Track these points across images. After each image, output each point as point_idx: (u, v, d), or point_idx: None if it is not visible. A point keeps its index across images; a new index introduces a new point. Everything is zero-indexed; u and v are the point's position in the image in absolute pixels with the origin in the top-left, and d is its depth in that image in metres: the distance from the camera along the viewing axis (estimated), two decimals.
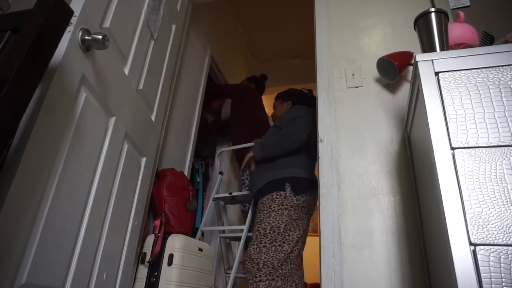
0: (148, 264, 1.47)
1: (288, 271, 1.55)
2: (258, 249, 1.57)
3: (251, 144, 2.31)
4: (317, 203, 1.55)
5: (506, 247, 0.68)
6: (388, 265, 1.23)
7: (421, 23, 1.07)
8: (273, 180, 1.72)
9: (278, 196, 1.65)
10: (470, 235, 0.70)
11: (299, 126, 1.78)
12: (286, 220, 1.61)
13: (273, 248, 1.56)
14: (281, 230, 1.59)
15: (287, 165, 1.74)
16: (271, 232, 1.59)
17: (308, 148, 1.81)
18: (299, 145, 1.76)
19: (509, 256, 0.67)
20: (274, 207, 1.63)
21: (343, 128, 1.52)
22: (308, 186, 1.71)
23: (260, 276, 1.51)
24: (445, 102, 0.85)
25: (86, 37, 0.96)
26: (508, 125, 0.78)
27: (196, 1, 2.22)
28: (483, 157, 0.77)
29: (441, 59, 0.91)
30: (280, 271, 1.53)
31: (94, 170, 1.08)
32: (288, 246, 1.58)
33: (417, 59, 0.94)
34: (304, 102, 2.02)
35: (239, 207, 2.87)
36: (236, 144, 2.55)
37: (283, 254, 1.56)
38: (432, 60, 0.92)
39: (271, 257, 1.54)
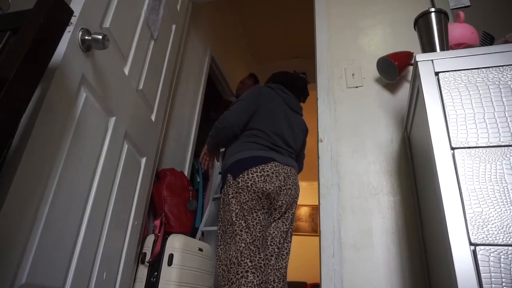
0: (148, 264, 1.47)
1: (258, 262, 1.39)
2: (224, 248, 1.44)
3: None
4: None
5: (506, 247, 0.68)
6: (388, 265, 1.23)
7: (421, 23, 1.07)
8: (222, 176, 1.64)
9: (225, 189, 1.54)
10: (470, 235, 0.70)
11: (234, 109, 1.64)
12: (237, 208, 1.47)
13: (233, 241, 1.42)
14: (234, 220, 1.45)
15: (229, 155, 1.61)
16: (229, 225, 1.47)
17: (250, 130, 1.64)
18: (229, 127, 1.61)
19: (509, 256, 0.67)
20: (225, 201, 1.53)
21: (343, 128, 1.52)
22: (250, 162, 1.52)
23: (230, 278, 1.36)
24: (445, 102, 0.85)
25: (86, 37, 0.96)
26: (508, 125, 0.78)
27: (196, 1, 2.22)
28: (483, 157, 0.77)
29: (441, 59, 0.91)
30: (249, 263, 1.37)
31: (94, 170, 1.07)
32: (247, 234, 1.42)
33: (417, 59, 0.94)
34: (276, 80, 1.86)
35: None
36: None
37: (243, 245, 1.40)
38: (432, 60, 0.92)
39: (234, 251, 1.40)
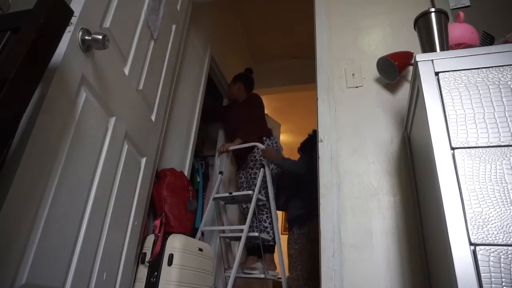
0: (148, 264, 1.47)
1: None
2: None
3: (252, 144, 2.43)
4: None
5: (506, 247, 0.68)
6: (388, 265, 1.23)
7: (421, 23, 1.07)
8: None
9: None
10: (470, 235, 0.70)
11: (302, 162, 2.38)
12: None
13: None
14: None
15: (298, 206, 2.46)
16: None
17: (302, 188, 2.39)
18: (297, 173, 2.36)
19: (509, 256, 0.67)
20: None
21: (343, 128, 1.52)
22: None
23: None
24: (445, 102, 0.85)
25: (86, 37, 0.96)
26: (508, 125, 0.78)
27: (196, 1, 2.22)
28: (483, 157, 0.77)
29: (441, 59, 0.91)
30: None
31: (94, 170, 1.07)
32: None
33: (417, 59, 0.94)
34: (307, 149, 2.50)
35: (238, 206, 2.87)
36: (245, 142, 2.54)
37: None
38: (432, 60, 0.92)
39: None
